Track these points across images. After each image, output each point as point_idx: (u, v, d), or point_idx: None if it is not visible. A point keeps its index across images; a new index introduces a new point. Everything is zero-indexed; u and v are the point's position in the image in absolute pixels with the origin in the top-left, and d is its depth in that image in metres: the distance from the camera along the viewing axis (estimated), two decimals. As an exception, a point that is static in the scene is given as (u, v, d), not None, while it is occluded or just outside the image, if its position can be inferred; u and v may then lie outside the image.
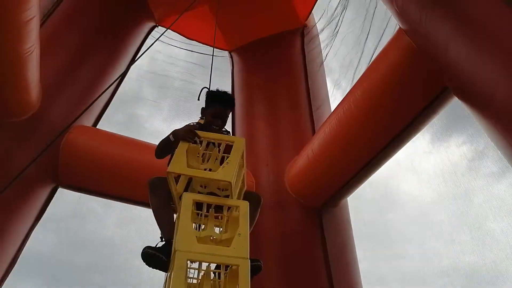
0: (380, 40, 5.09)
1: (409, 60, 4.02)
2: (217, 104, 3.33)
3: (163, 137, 3.09)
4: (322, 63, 7.01)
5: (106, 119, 6.12)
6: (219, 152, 2.86)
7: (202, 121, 3.37)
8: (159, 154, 3.14)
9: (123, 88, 6.71)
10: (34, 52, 4.14)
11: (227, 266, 2.37)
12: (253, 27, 7.31)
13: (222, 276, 2.40)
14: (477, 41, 2.89)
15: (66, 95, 5.34)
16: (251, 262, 2.32)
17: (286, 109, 6.42)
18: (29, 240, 4.97)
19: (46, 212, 5.15)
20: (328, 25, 6.98)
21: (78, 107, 5.10)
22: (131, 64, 6.37)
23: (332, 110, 5.50)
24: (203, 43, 7.94)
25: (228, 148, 2.85)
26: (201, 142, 2.85)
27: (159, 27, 7.19)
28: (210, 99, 3.39)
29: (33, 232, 5.02)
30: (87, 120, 5.77)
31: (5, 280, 4.69)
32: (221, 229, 2.60)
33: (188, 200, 2.51)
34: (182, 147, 2.76)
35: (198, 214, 2.60)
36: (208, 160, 2.82)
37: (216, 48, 7.36)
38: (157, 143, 3.17)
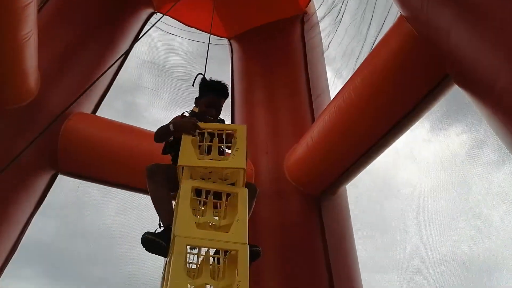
0: (381, 28, 5.05)
1: (410, 47, 3.98)
2: (210, 94, 3.30)
3: (162, 125, 3.08)
4: (323, 52, 6.95)
5: (106, 105, 6.11)
6: (223, 142, 2.85)
7: (196, 109, 3.36)
8: (157, 139, 3.13)
9: (122, 76, 6.67)
10: (32, 38, 4.11)
11: (226, 252, 2.38)
12: (252, 14, 7.23)
13: (221, 261, 2.41)
14: (479, 28, 2.85)
15: (64, 82, 5.32)
16: (250, 248, 2.34)
17: (285, 97, 6.39)
18: (29, 227, 4.99)
19: (46, 199, 5.16)
20: (329, 12, 6.91)
21: (76, 94, 5.02)
22: (131, 47, 6.31)
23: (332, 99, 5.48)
24: (202, 30, 7.85)
25: (222, 137, 2.84)
26: (202, 134, 2.84)
27: (157, 13, 7.08)
28: (204, 89, 3.36)
29: (33, 219, 5.04)
30: (87, 107, 5.76)
31: (5, 268, 4.72)
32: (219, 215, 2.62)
33: (187, 186, 2.51)
34: (187, 139, 2.75)
35: (197, 201, 2.61)
36: (208, 151, 2.81)
37: (215, 35, 7.30)
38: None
